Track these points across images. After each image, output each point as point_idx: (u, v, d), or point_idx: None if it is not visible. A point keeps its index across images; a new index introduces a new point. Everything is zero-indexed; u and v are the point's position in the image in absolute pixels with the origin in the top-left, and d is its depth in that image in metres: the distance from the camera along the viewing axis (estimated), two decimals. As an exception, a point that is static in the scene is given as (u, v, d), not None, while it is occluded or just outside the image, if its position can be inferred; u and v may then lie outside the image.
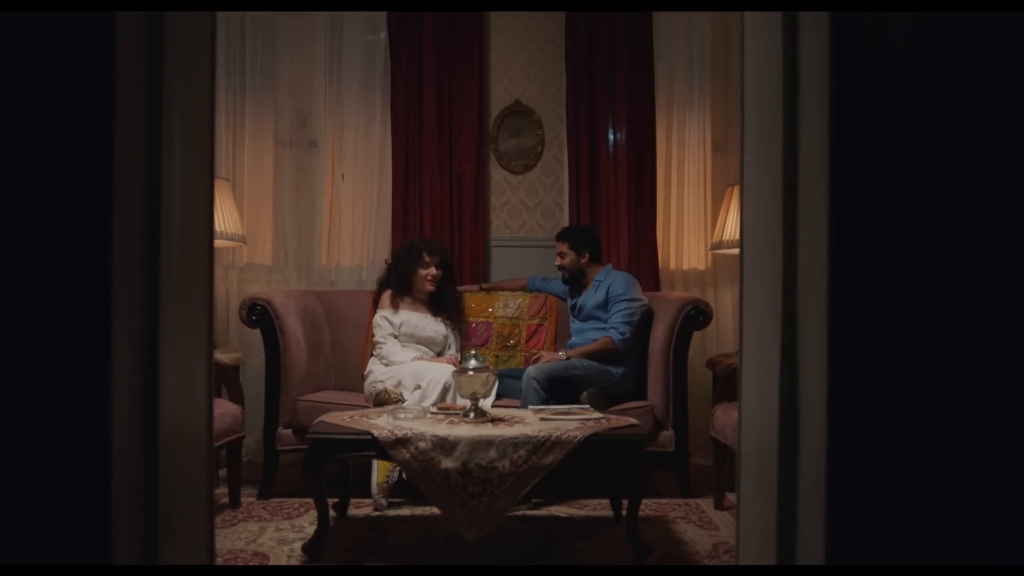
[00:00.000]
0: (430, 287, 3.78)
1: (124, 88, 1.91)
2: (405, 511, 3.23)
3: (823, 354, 1.85)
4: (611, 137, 4.32)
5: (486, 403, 3.10)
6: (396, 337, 3.69)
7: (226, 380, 3.43)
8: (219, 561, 2.62)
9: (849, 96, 1.83)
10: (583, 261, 3.82)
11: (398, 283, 3.77)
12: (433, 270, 3.77)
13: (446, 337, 3.82)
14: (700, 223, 4.41)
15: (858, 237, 1.77)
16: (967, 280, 1.83)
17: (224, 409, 3.19)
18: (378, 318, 3.74)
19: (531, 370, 3.45)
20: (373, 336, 3.74)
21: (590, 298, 3.77)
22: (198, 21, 2.04)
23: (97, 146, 1.84)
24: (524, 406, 3.28)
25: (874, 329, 1.81)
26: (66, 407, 1.83)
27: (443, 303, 3.85)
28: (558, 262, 3.87)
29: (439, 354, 3.77)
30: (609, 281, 3.74)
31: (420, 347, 3.72)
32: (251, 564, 2.64)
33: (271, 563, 2.64)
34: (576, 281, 3.87)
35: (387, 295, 3.79)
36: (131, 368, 1.90)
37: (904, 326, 1.84)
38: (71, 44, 1.78)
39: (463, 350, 3.83)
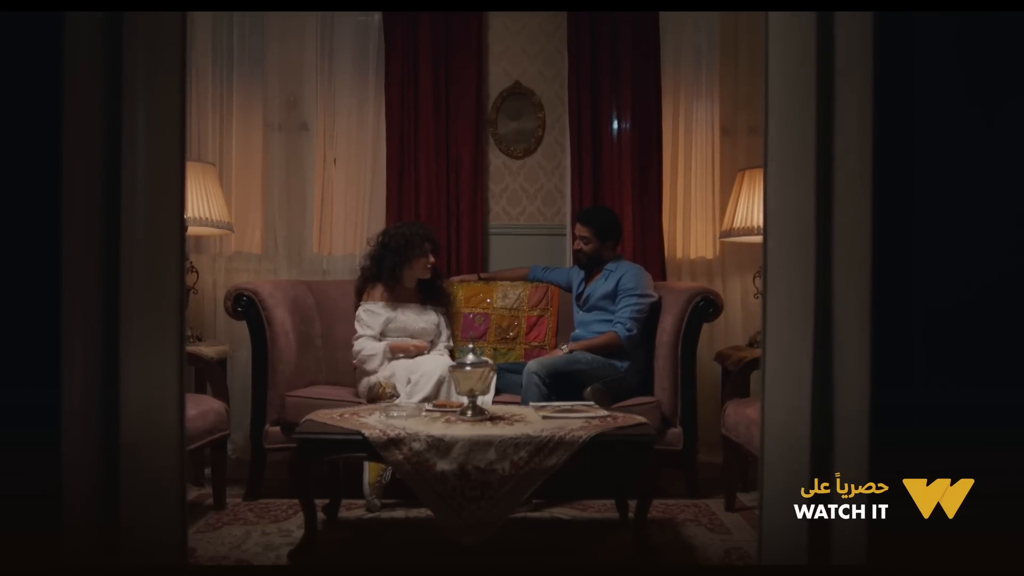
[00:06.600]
0: (427, 275, 3.61)
1: (75, 70, 1.74)
2: (399, 513, 3.07)
3: (865, 350, 1.69)
4: (615, 120, 4.12)
5: (486, 399, 2.93)
6: (382, 335, 3.49)
7: (210, 375, 3.26)
8: (199, 569, 2.45)
9: (896, 78, 1.67)
10: (607, 252, 3.62)
11: (391, 275, 3.54)
12: (431, 257, 3.59)
13: (438, 325, 3.65)
14: (708, 210, 4.22)
15: (906, 220, 1.61)
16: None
17: (207, 406, 3.02)
18: (363, 313, 3.52)
19: (532, 364, 3.27)
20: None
21: (598, 288, 3.58)
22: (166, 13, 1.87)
23: (43, 126, 1.67)
24: (525, 402, 3.10)
25: (923, 319, 1.64)
26: (9, 407, 1.67)
27: (433, 291, 3.67)
28: (577, 246, 3.65)
29: (431, 343, 3.60)
30: (620, 272, 3.54)
31: (414, 340, 3.54)
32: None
33: (255, 571, 2.49)
34: (588, 268, 3.67)
35: (378, 290, 3.57)
36: (84, 366, 1.74)
37: (956, 316, 1.68)
38: (21, 35, 1.62)
39: (458, 341, 3.66)
